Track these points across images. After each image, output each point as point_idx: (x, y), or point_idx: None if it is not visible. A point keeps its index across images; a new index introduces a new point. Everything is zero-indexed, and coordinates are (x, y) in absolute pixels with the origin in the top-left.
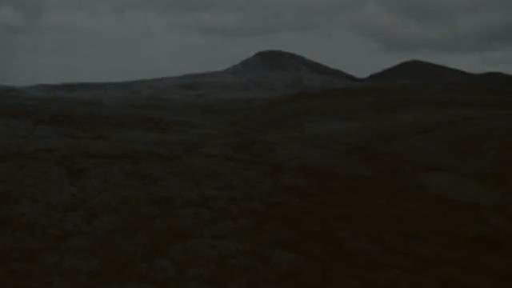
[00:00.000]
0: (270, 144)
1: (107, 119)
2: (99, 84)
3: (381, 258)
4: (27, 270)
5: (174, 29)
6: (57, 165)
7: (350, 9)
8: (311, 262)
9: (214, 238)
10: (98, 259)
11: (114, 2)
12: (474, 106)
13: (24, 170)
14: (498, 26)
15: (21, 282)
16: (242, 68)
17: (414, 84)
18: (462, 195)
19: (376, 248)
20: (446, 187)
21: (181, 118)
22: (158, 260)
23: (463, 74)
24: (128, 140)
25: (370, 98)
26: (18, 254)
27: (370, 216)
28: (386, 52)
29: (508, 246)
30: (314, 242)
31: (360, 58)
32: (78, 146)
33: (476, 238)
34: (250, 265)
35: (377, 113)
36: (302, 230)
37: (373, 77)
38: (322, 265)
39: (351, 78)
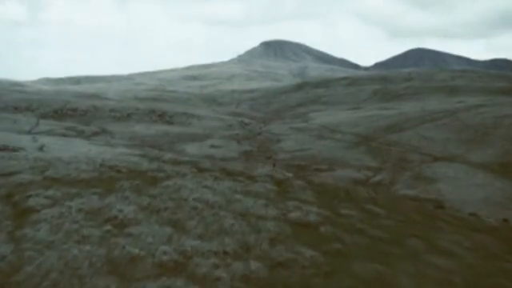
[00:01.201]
0: (275, 135)
1: (111, 112)
2: (104, 77)
3: None
4: None
5: (177, 20)
6: (3, 200)
7: None
8: None
9: None
10: None
11: None
12: (480, 94)
13: None
14: (503, 11)
15: None
16: (246, 58)
17: (420, 72)
18: (489, 209)
19: None
20: (463, 192)
21: (185, 109)
22: None
23: (469, 60)
24: (129, 133)
25: (375, 86)
26: None
27: (408, 274)
28: (391, 40)
29: None
30: None
31: (365, 47)
32: (47, 165)
33: None
34: None
35: (382, 102)
36: None
37: (378, 65)
38: None
39: (356, 67)
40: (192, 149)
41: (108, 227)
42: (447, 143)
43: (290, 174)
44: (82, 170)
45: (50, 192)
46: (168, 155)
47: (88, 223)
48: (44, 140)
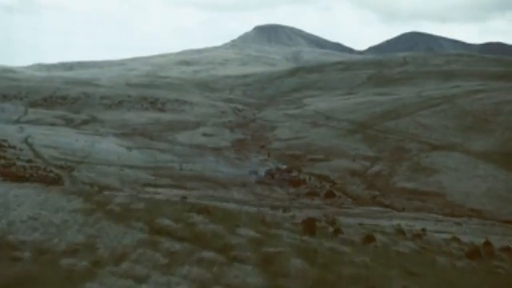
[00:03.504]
0: (269, 122)
1: (102, 100)
2: (96, 62)
3: None
4: None
5: (170, 5)
6: None
7: None
8: None
9: None
10: None
11: None
12: (477, 78)
13: None
14: None
15: None
16: (240, 43)
17: (415, 56)
18: (494, 204)
19: None
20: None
21: (177, 96)
22: None
23: (463, 44)
24: (120, 121)
25: (370, 71)
26: None
27: None
28: (385, 23)
29: None
30: None
31: (358, 30)
32: None
33: None
34: None
35: (377, 87)
36: None
37: (372, 49)
38: None
39: (350, 51)
40: (183, 138)
41: None
42: (446, 131)
43: (284, 240)
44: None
45: None
46: (121, 197)
47: None
48: (30, 130)
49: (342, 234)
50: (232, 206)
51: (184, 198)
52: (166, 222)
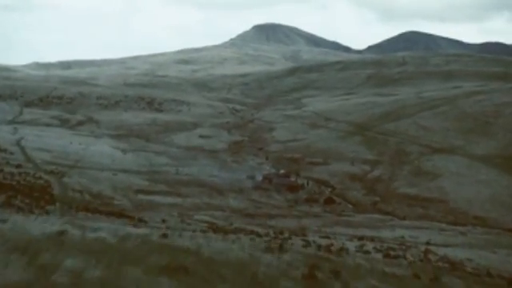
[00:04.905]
0: (267, 123)
1: (98, 100)
2: (94, 61)
3: None
4: None
5: (169, 3)
6: None
7: None
8: None
9: None
10: None
11: None
12: (476, 79)
13: None
14: None
15: None
16: (238, 41)
17: (414, 56)
18: (497, 211)
19: None
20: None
21: (175, 96)
22: None
23: (462, 43)
24: (116, 122)
25: (369, 71)
26: None
27: None
28: (384, 23)
29: None
30: None
31: (356, 29)
32: None
33: None
34: None
35: (377, 87)
36: None
37: (370, 48)
38: None
39: (348, 50)
40: (180, 139)
41: None
42: (446, 133)
43: None
44: None
45: None
46: (74, 257)
47: None
48: (24, 131)
49: None
50: (221, 245)
51: (164, 235)
52: None
